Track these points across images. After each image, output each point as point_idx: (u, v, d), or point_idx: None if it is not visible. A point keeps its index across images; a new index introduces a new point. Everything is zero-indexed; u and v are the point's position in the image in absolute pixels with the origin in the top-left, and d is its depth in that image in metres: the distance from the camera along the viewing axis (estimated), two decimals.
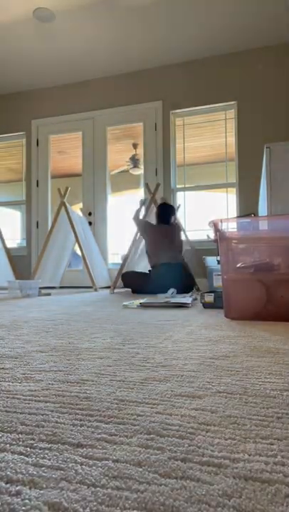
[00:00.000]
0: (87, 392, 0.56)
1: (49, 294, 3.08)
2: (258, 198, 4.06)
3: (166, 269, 3.05)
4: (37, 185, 5.03)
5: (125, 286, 3.26)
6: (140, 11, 3.63)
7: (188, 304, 1.86)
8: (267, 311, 1.35)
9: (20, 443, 0.39)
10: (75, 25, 3.83)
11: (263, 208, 3.12)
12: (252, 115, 4.25)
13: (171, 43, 4.12)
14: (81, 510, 0.28)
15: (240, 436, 0.40)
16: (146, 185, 3.66)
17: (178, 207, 4.21)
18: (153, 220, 3.66)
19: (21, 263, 4.87)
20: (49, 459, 0.36)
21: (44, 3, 3.51)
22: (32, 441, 0.39)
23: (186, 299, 2.04)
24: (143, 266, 3.82)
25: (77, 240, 3.57)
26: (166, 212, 3.40)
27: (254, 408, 0.49)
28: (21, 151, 5.19)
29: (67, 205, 3.66)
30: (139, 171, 5.29)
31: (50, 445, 0.39)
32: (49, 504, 0.29)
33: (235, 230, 1.42)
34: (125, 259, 3.48)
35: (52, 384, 0.60)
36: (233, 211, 4.41)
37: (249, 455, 0.36)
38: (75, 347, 0.89)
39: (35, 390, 0.57)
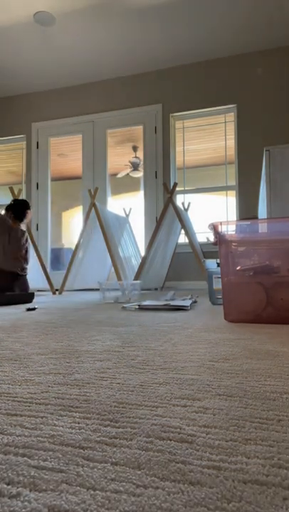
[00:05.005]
0: (87, 394, 0.56)
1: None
2: (258, 200, 4.07)
3: None
4: (37, 188, 5.04)
5: None
6: (140, 15, 3.65)
7: (186, 306, 1.85)
8: (267, 313, 1.35)
9: (20, 445, 0.39)
10: (75, 29, 3.85)
11: (262, 211, 3.13)
12: (252, 118, 4.26)
13: (170, 45, 4.14)
14: None
15: (240, 439, 0.40)
16: (164, 185, 3.65)
17: (188, 205, 4.30)
18: (165, 227, 3.68)
19: None
20: (50, 462, 0.36)
21: (44, 6, 3.53)
22: (32, 443, 0.40)
23: (186, 301, 2.04)
24: (158, 267, 3.86)
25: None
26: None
27: (254, 410, 0.49)
28: (21, 153, 5.21)
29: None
30: (139, 174, 5.30)
31: (50, 447, 0.39)
32: (49, 506, 0.29)
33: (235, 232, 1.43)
34: (143, 260, 3.47)
35: (51, 386, 0.60)
36: (233, 214, 4.42)
37: (249, 458, 0.36)
38: (75, 349, 0.89)
39: (34, 393, 0.57)
